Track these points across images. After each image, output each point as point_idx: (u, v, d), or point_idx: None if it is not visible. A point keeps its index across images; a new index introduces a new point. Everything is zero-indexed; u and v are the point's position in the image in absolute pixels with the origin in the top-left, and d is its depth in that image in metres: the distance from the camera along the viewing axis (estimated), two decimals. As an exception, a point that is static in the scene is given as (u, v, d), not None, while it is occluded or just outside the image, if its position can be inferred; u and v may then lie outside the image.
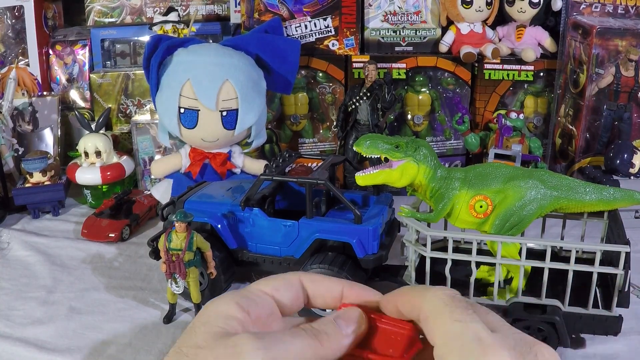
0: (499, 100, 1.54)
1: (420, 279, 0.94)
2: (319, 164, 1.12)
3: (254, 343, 0.34)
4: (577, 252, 0.91)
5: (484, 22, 1.52)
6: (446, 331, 0.32)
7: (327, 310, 0.43)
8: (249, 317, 0.38)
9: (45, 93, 1.66)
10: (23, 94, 1.60)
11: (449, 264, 0.89)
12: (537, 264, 0.87)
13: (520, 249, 0.88)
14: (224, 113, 1.23)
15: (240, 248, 1.05)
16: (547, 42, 1.50)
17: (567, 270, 0.86)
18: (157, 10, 1.66)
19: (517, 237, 0.89)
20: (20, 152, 1.51)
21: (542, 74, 1.52)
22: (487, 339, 0.31)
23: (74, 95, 1.72)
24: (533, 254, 0.88)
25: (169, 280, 0.97)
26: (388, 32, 1.54)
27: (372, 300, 0.41)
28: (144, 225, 1.39)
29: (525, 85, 1.53)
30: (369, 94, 1.41)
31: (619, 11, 1.47)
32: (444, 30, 1.54)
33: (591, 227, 1.00)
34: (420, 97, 1.55)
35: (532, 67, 1.50)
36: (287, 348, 0.35)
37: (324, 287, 0.42)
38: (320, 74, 1.52)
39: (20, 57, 1.69)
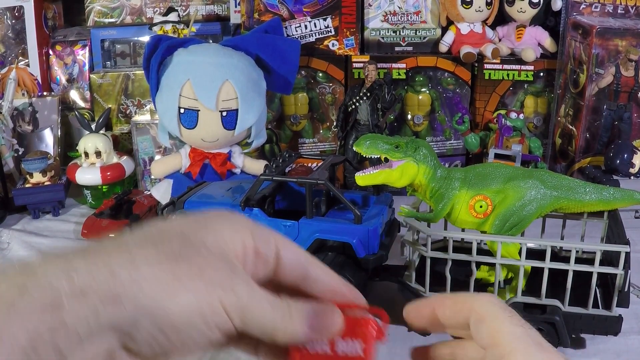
0: (499, 100, 1.54)
1: (420, 279, 0.94)
2: (319, 164, 1.12)
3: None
4: (577, 252, 0.91)
5: (484, 22, 1.52)
6: (510, 332, 0.35)
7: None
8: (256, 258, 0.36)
9: (45, 93, 1.66)
10: (23, 94, 1.60)
11: (449, 264, 0.89)
12: (537, 264, 0.87)
13: (520, 249, 0.88)
14: (224, 113, 1.23)
15: (240, 248, 1.05)
16: (547, 42, 1.50)
17: (567, 270, 0.86)
18: (157, 11, 1.66)
19: (517, 237, 0.89)
20: (20, 153, 1.51)
21: (542, 74, 1.52)
22: (546, 345, 0.35)
23: (74, 95, 1.72)
24: (533, 254, 0.88)
25: (169, 280, 0.97)
26: (388, 32, 1.54)
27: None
28: (144, 226, 1.39)
29: (525, 85, 1.53)
30: (369, 94, 1.41)
31: (619, 11, 1.47)
32: (444, 30, 1.54)
33: (591, 227, 1.00)
34: (420, 97, 1.55)
35: (532, 67, 1.50)
36: (256, 306, 0.34)
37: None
38: (320, 74, 1.52)
39: (20, 57, 1.69)
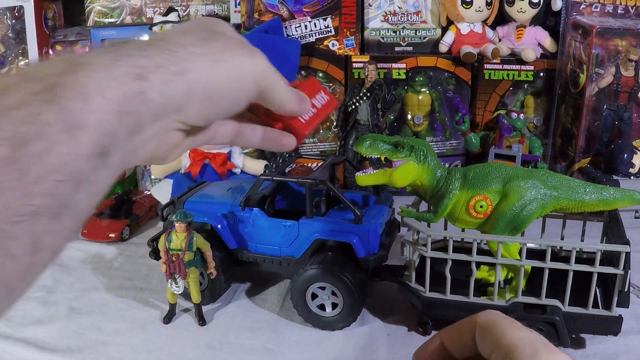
0: (499, 100, 1.54)
1: (420, 279, 0.94)
2: (319, 164, 1.12)
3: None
4: (577, 252, 0.91)
5: (484, 22, 1.52)
6: (513, 335, 0.36)
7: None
8: None
9: (45, 93, 1.66)
10: (23, 94, 1.60)
11: (449, 264, 0.89)
12: (537, 264, 0.87)
13: (521, 249, 0.88)
14: (224, 113, 1.23)
15: (240, 248, 1.05)
16: (547, 42, 1.50)
17: (567, 270, 0.86)
18: (157, 11, 1.66)
19: (517, 237, 0.89)
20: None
21: (542, 74, 1.52)
22: (550, 345, 0.36)
23: (74, 95, 1.72)
24: (533, 254, 0.88)
25: (169, 280, 0.97)
26: (388, 32, 1.54)
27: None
28: (144, 225, 1.39)
29: (525, 85, 1.53)
30: (369, 94, 1.41)
31: (619, 11, 1.47)
32: (444, 30, 1.54)
33: (591, 227, 1.00)
34: (420, 97, 1.54)
35: (532, 67, 1.50)
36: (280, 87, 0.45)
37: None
38: (320, 74, 1.52)
39: (20, 57, 1.69)
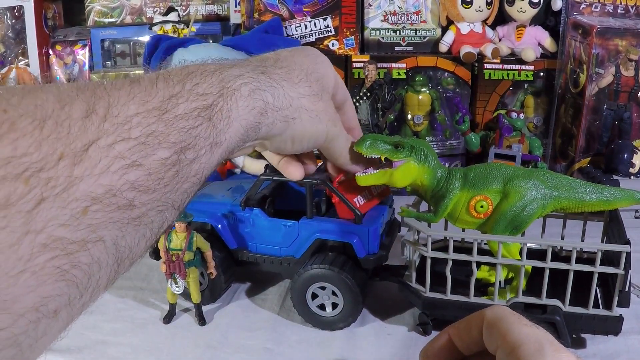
0: (499, 100, 1.54)
1: (420, 279, 0.94)
2: (319, 164, 1.12)
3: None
4: (577, 251, 0.91)
5: (484, 21, 1.52)
6: (519, 331, 0.37)
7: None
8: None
9: (45, 93, 1.66)
10: (23, 94, 1.60)
11: (450, 264, 0.89)
12: (538, 264, 0.87)
13: (521, 249, 0.88)
14: (224, 113, 1.23)
15: (240, 248, 1.05)
16: (547, 42, 1.50)
17: (567, 270, 0.86)
18: (157, 10, 1.66)
19: (518, 237, 0.88)
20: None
21: (542, 74, 1.52)
22: (556, 342, 0.36)
23: (73, 95, 1.72)
24: (534, 254, 0.88)
25: (169, 280, 0.97)
26: (388, 32, 1.54)
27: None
28: (144, 226, 1.39)
29: (525, 85, 1.53)
30: (369, 94, 1.41)
31: (619, 11, 1.47)
32: (444, 30, 1.54)
33: (591, 227, 1.00)
34: (420, 97, 1.54)
35: (532, 67, 1.50)
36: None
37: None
38: (320, 74, 1.52)
39: (20, 57, 1.69)
